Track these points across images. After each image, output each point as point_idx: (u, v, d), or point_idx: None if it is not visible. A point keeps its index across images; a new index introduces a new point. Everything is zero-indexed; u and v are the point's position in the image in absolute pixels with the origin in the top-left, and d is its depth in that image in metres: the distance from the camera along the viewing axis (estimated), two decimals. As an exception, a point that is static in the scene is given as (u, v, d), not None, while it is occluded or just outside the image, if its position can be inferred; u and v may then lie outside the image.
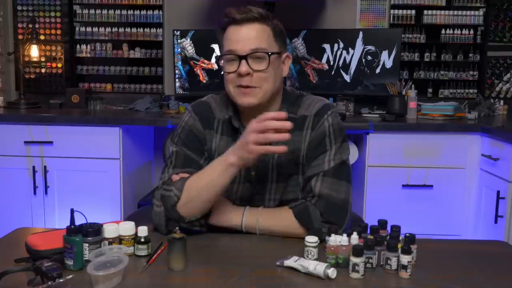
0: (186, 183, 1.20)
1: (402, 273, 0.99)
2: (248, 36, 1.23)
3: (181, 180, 1.22)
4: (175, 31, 3.06)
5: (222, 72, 1.30)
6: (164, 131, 2.72)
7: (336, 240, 1.04)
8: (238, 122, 1.31)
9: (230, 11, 1.24)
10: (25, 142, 2.65)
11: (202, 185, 1.18)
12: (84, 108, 3.03)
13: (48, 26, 3.19)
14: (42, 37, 3.15)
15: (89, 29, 3.22)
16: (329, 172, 1.24)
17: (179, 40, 3.06)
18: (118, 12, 3.19)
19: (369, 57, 2.98)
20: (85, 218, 1.05)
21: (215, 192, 1.19)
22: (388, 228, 1.12)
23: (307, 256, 1.06)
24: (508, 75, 3.14)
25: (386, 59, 2.95)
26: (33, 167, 2.65)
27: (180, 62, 3.09)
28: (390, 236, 1.07)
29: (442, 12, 3.09)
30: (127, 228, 1.09)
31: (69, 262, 0.99)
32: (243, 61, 1.22)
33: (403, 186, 2.59)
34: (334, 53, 3.01)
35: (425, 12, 3.09)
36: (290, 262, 1.02)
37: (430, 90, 3.16)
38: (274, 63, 1.25)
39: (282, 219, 1.23)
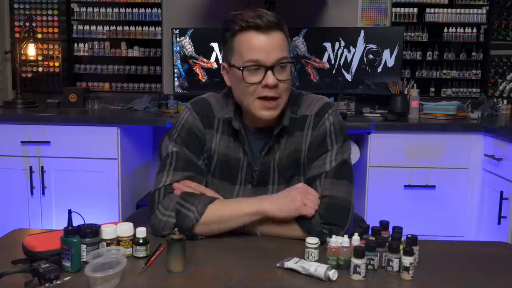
0: (208, 207, 1.18)
1: (404, 274, 0.98)
2: (272, 45, 1.18)
3: (201, 201, 1.19)
4: (174, 30, 3.04)
5: (245, 82, 1.20)
6: (163, 130, 2.69)
7: (337, 241, 1.03)
8: (238, 123, 1.28)
9: (247, 15, 1.17)
10: (22, 142, 2.63)
11: (223, 214, 1.18)
12: (81, 107, 3.01)
13: (45, 25, 3.17)
14: (39, 36, 3.13)
15: (86, 27, 3.20)
16: (331, 173, 1.23)
17: (178, 39, 3.04)
18: (116, 10, 3.17)
19: (371, 56, 2.96)
20: (83, 219, 1.05)
21: (234, 226, 1.19)
22: (390, 229, 1.11)
23: (308, 258, 1.05)
24: None
25: (388, 58, 2.93)
26: (30, 167, 2.63)
27: (179, 61, 3.07)
28: (392, 237, 1.06)
29: (445, 10, 3.07)
30: (125, 229, 1.08)
31: (67, 264, 0.99)
32: (269, 72, 1.18)
33: (405, 186, 2.57)
34: (335, 51, 2.99)
35: (428, 10, 3.08)
36: (291, 263, 1.01)
37: (432, 89, 3.14)
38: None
39: (283, 222, 1.20)
